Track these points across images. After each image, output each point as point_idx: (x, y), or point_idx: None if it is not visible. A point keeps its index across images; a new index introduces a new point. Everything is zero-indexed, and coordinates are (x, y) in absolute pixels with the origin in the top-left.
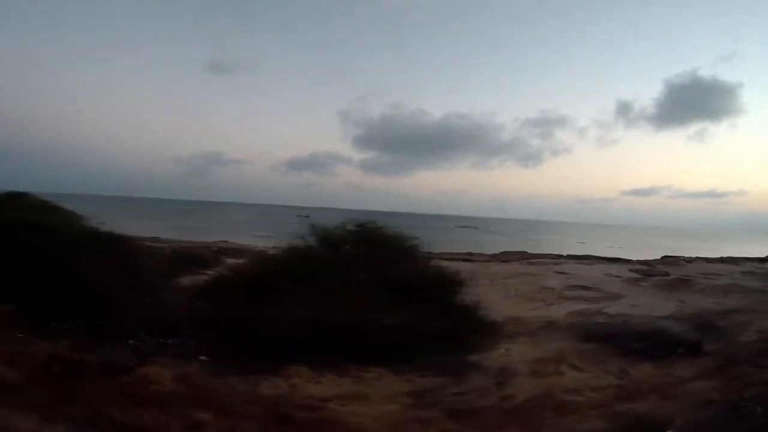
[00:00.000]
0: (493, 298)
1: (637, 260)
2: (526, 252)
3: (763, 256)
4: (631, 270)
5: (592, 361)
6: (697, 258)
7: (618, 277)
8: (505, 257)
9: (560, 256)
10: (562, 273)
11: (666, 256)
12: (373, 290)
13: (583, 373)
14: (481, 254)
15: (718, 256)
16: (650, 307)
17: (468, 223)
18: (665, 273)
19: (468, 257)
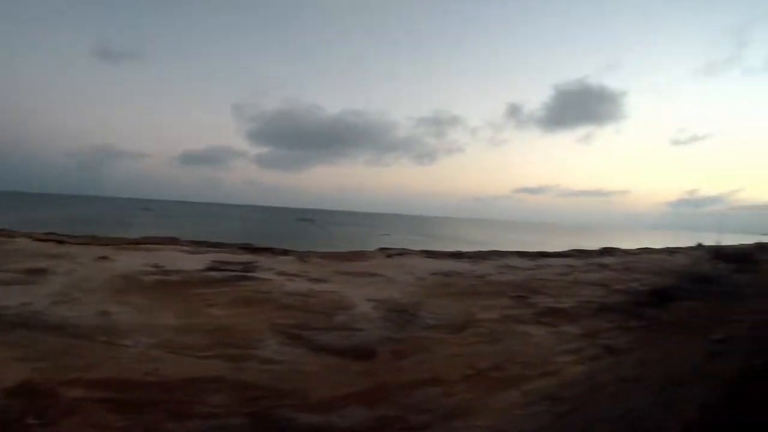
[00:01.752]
0: None
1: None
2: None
3: (536, 251)
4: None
5: None
6: (416, 253)
7: (156, 267)
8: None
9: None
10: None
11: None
12: None
13: None
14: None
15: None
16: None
17: (312, 216)
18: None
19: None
